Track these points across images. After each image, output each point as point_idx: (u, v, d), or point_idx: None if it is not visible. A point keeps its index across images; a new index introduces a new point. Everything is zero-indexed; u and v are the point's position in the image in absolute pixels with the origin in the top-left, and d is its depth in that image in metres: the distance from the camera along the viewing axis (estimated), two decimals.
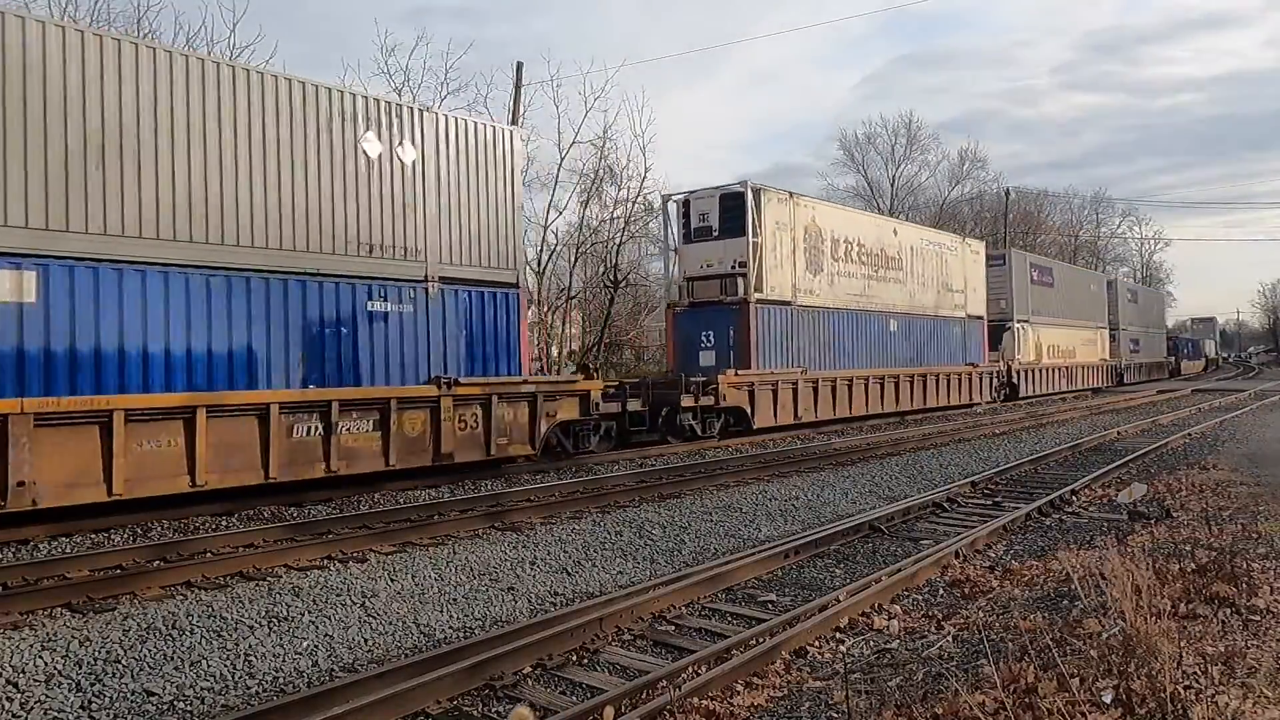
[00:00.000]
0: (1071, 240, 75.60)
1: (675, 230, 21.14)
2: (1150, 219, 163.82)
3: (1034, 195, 71.92)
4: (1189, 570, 6.31)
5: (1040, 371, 33.78)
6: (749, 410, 18.59)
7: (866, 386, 22.52)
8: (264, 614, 6.57)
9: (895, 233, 25.37)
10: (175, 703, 5.10)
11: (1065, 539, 8.98)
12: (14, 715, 4.89)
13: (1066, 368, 36.65)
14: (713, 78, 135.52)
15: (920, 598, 7.17)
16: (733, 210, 19.76)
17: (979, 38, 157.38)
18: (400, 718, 4.82)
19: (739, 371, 18.58)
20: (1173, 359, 61.21)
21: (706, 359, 19.63)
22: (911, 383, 24.43)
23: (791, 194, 21.04)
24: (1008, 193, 59.25)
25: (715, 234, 19.98)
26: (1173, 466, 14.37)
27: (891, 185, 62.91)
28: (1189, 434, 19.37)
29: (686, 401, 17.25)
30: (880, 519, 9.88)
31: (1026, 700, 4.10)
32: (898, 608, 6.82)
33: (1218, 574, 6.08)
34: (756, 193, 19.70)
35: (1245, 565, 6.47)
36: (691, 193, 20.80)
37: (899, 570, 7.59)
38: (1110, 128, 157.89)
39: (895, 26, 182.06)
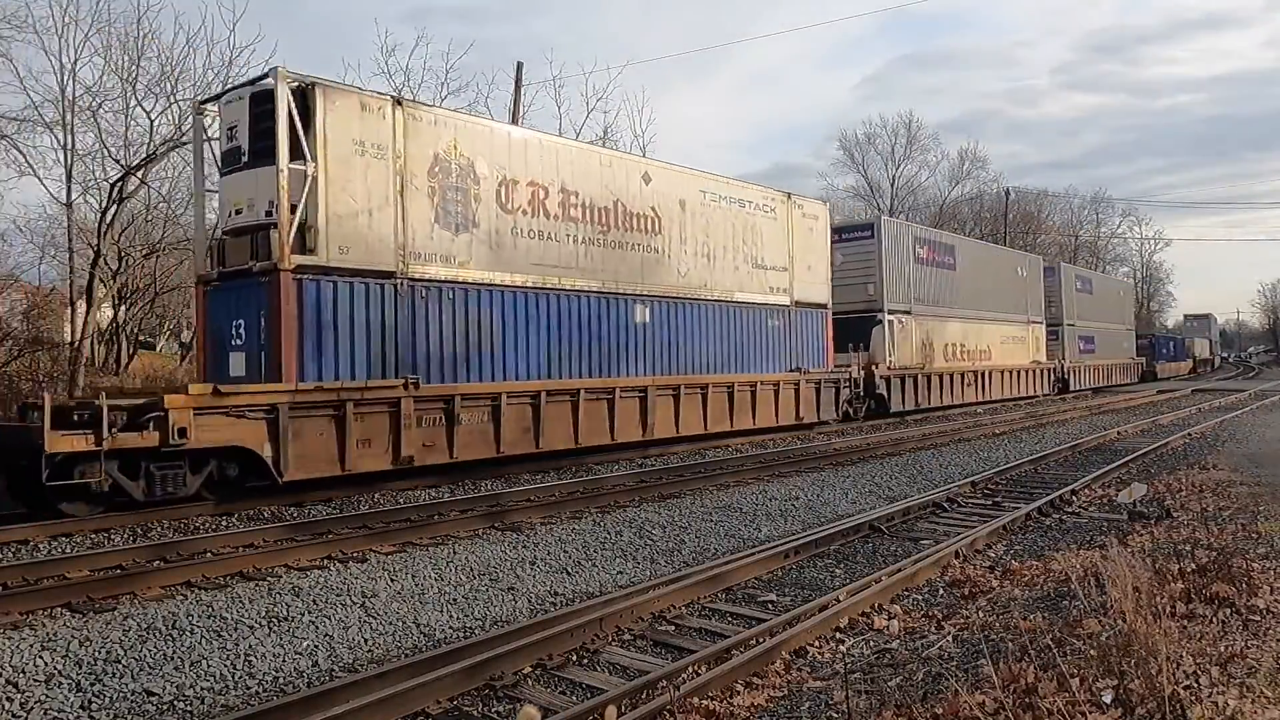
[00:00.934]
0: (1071, 240, 75.70)
1: (217, 157, 12.80)
2: (1150, 219, 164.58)
3: (1034, 195, 72.12)
4: (1189, 570, 6.31)
5: (928, 379, 25.48)
6: (272, 454, 10.66)
7: (575, 405, 14.48)
8: (264, 614, 6.57)
9: (646, 178, 16.57)
10: (175, 703, 5.11)
11: (1065, 539, 8.99)
12: (14, 715, 4.89)
13: (975, 373, 28.48)
14: (713, 78, 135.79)
15: (920, 598, 7.18)
16: (266, 121, 11.54)
17: (979, 38, 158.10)
18: (400, 718, 4.82)
19: (220, 390, 10.35)
20: (1144, 361, 52.05)
21: (237, 364, 11.95)
22: (677, 398, 16.42)
23: (400, 100, 12.92)
24: (1007, 193, 59.40)
25: (244, 159, 11.81)
26: (1173, 466, 14.38)
27: (891, 185, 63.12)
28: (1189, 434, 19.39)
29: (69, 443, 9.08)
30: (880, 519, 9.88)
31: (1026, 700, 4.10)
32: (898, 608, 6.82)
33: (1217, 574, 6.08)
34: (304, 91, 11.62)
35: (1245, 565, 6.47)
36: (222, 94, 12.85)
37: (899, 570, 7.59)
38: (1110, 128, 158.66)
39: (895, 26, 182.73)
